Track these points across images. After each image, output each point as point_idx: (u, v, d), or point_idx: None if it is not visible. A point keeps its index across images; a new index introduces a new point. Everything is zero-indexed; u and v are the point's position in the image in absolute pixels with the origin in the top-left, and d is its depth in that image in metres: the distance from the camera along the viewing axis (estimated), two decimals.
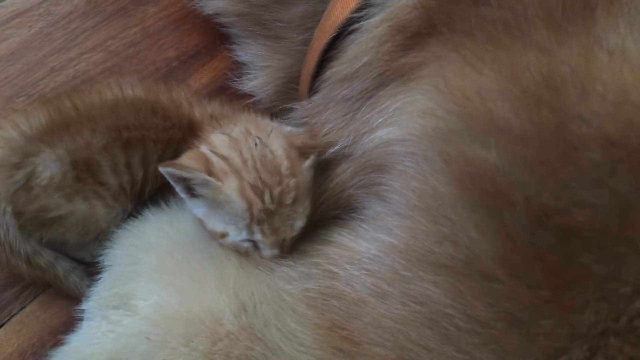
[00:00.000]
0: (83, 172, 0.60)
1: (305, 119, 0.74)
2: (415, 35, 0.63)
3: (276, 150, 0.58)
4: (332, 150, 0.69)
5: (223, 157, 0.57)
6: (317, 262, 0.59)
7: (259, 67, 0.84)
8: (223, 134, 0.60)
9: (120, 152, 0.60)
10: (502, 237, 0.52)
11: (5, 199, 0.58)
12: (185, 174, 0.56)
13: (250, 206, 0.55)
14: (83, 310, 0.62)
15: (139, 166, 0.62)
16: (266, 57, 0.82)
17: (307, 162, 0.60)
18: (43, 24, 0.87)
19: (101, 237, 0.65)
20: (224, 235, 0.58)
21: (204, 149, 0.59)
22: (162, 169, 0.56)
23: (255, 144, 0.58)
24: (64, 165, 0.58)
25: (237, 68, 0.86)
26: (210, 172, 0.56)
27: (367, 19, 0.68)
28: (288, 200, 0.57)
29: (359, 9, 0.68)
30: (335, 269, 0.59)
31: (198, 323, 0.56)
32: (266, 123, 0.64)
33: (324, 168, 0.67)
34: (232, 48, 0.87)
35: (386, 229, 0.59)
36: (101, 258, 0.65)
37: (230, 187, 0.55)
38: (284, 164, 0.57)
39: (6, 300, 0.66)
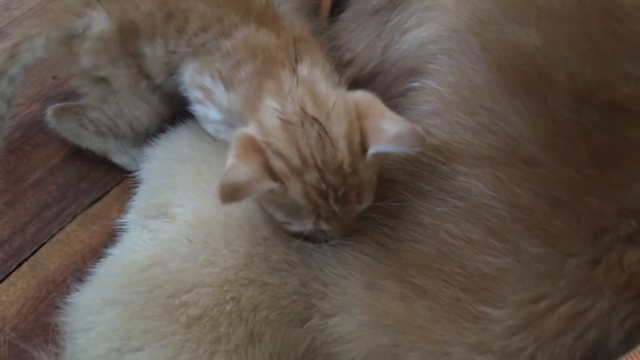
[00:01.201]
0: (127, 35, 0.64)
1: (334, 42, 0.73)
2: None
3: (337, 139, 0.51)
4: (365, 70, 0.68)
5: (280, 156, 0.51)
6: None
7: None
8: (275, 110, 0.53)
9: (161, 23, 0.63)
10: (545, 120, 0.51)
11: (61, 40, 0.66)
12: (250, 193, 0.51)
13: (315, 208, 0.52)
14: (123, 223, 0.63)
15: (174, 35, 0.63)
16: None
17: (368, 156, 0.52)
18: None
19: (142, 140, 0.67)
20: (286, 224, 0.55)
21: (254, 132, 0.52)
22: (222, 195, 0.49)
23: (313, 133, 0.52)
24: (113, 24, 0.64)
25: None
26: (271, 175, 0.51)
27: None
28: (352, 197, 0.52)
29: None
30: None
31: (236, 227, 0.56)
32: (325, 92, 0.54)
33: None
34: None
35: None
36: (138, 172, 0.65)
37: (295, 192, 0.51)
38: (346, 162, 0.51)
39: (46, 220, 0.67)
